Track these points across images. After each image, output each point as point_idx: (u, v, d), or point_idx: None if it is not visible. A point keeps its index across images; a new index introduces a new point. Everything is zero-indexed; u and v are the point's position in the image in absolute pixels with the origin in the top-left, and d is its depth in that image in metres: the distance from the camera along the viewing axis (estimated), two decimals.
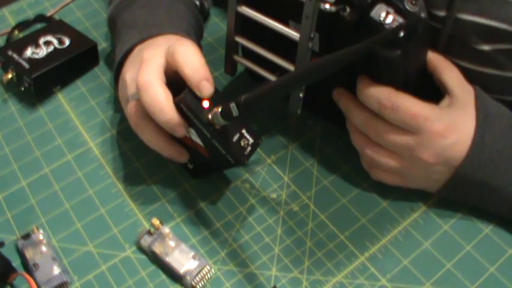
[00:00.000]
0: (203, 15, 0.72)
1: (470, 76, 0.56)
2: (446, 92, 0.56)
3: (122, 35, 0.64)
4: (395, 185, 0.59)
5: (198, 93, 0.52)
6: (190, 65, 0.52)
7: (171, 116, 0.53)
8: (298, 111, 0.56)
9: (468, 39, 0.55)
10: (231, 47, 0.59)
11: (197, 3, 0.71)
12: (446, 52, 0.56)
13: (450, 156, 0.53)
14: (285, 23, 0.54)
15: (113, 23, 0.67)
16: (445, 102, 0.55)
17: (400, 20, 0.48)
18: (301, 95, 0.55)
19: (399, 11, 0.48)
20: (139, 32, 0.61)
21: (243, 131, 0.54)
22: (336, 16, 0.50)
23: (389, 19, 0.48)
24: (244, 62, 0.59)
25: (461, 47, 0.56)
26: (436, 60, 0.56)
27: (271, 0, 0.53)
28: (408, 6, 0.48)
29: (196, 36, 0.66)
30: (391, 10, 0.48)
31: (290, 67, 0.54)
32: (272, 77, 0.56)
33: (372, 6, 0.49)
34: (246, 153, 0.54)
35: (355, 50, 0.44)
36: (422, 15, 0.49)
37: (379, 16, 0.48)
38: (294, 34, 0.52)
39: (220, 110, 0.50)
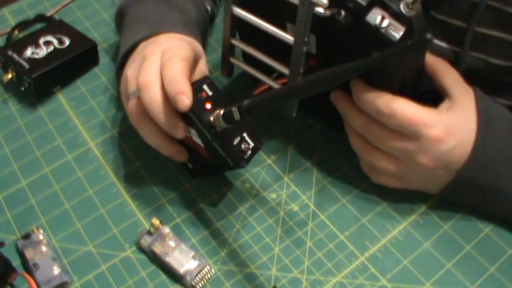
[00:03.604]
0: (210, 20, 0.73)
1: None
2: (445, 94, 0.55)
3: (130, 28, 0.64)
4: (395, 188, 0.59)
5: (175, 106, 0.52)
6: (169, 77, 0.53)
7: (171, 118, 0.53)
8: (294, 115, 0.55)
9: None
10: (227, 49, 0.59)
11: (208, 8, 0.71)
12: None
13: (450, 160, 0.53)
14: (283, 25, 0.54)
15: (121, 16, 0.67)
16: (444, 105, 0.55)
17: (397, 24, 0.48)
18: None
19: (395, 15, 0.48)
20: (149, 26, 0.61)
21: (244, 134, 0.54)
22: (331, 20, 0.50)
23: (385, 23, 0.48)
24: (240, 65, 0.59)
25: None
26: (435, 63, 0.56)
27: (268, 2, 0.53)
28: (404, 10, 0.47)
29: (202, 39, 0.66)
30: (386, 14, 0.48)
31: (286, 70, 0.54)
32: (268, 80, 0.56)
33: (367, 10, 0.48)
34: (245, 156, 0.54)
35: (364, 63, 0.43)
36: (420, 20, 0.48)
37: (375, 20, 0.48)
38: (288, 37, 0.52)
39: (222, 113, 0.50)
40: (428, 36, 0.41)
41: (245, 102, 0.47)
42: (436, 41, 0.59)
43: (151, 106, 0.53)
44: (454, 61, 0.58)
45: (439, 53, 0.57)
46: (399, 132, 0.53)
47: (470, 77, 0.56)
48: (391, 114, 0.52)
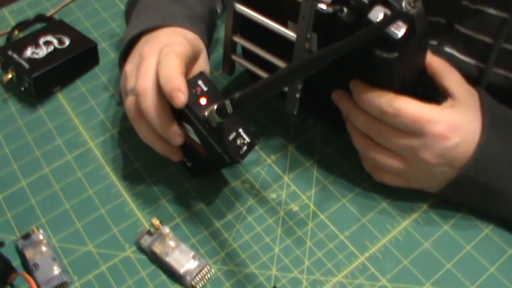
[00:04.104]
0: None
1: None
2: (447, 94, 0.55)
3: (141, 15, 0.64)
4: (398, 186, 0.59)
5: (171, 102, 0.52)
6: (164, 75, 0.53)
7: (167, 125, 0.54)
8: (295, 112, 0.55)
9: None
10: (229, 47, 0.59)
11: (219, 10, 0.71)
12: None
13: (453, 157, 0.53)
14: (284, 23, 0.54)
15: (131, 6, 0.67)
16: (447, 103, 0.55)
17: (399, 22, 0.47)
18: (297, 95, 0.55)
19: (397, 12, 0.48)
20: (161, 17, 0.62)
21: (240, 130, 0.54)
22: (333, 17, 0.50)
23: None
24: (242, 62, 0.59)
25: None
26: (436, 64, 0.56)
27: (270, 0, 0.53)
28: (406, 9, 0.47)
29: (208, 36, 0.66)
30: (388, 12, 0.48)
31: None
32: None
33: (369, 7, 0.48)
34: (241, 152, 0.54)
35: (345, 44, 0.43)
36: (422, 19, 0.48)
37: (377, 18, 0.48)
38: (291, 34, 0.52)
39: (215, 107, 0.50)
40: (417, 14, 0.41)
41: (237, 94, 0.48)
42: (459, 55, 0.59)
43: (149, 113, 0.54)
44: (477, 77, 0.58)
45: (461, 68, 0.56)
46: (403, 130, 0.53)
47: (492, 92, 0.56)
48: (394, 113, 0.52)
